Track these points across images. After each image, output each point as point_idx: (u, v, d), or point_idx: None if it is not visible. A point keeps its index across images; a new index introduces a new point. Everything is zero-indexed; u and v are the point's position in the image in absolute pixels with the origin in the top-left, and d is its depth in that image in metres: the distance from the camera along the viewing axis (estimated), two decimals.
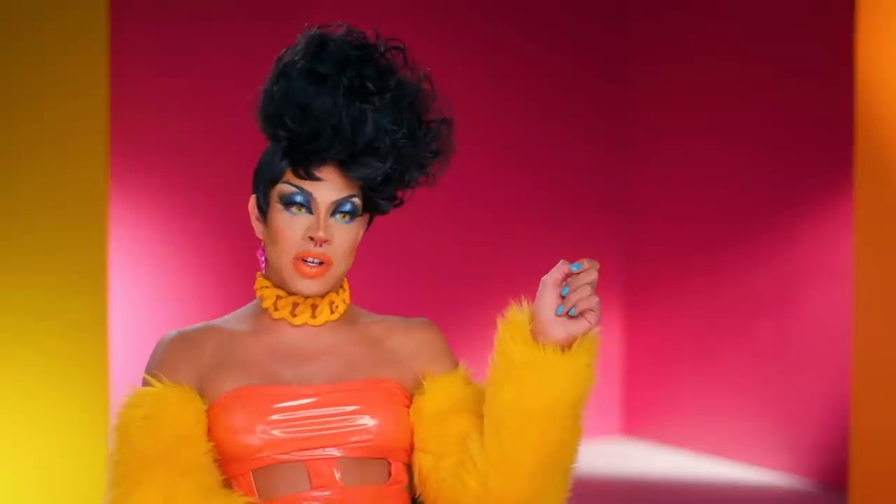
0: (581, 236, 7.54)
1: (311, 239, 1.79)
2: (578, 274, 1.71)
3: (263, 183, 1.85)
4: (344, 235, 1.82)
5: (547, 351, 1.72)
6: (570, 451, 1.77)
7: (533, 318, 1.75)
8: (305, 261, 1.80)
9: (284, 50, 1.85)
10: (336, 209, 1.81)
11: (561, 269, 1.74)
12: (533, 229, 7.37)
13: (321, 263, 1.80)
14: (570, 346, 1.73)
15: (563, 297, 1.72)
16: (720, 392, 6.90)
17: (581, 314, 1.71)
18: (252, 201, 1.88)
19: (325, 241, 1.80)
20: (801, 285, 6.39)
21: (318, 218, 1.80)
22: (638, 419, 7.52)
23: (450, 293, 7.08)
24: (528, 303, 1.78)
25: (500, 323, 1.78)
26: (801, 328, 6.38)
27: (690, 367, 7.11)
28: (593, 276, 1.70)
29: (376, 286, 6.41)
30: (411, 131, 1.83)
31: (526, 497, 1.75)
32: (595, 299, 1.70)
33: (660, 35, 7.34)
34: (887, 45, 4.41)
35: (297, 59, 1.82)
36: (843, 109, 5.59)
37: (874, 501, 4.46)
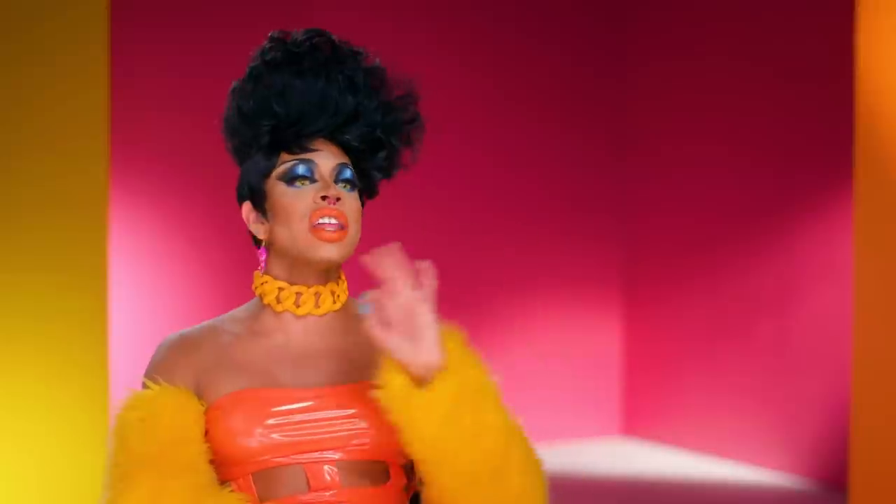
0: (581, 236, 7.54)
1: (324, 199, 1.80)
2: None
3: (256, 183, 1.86)
4: (351, 202, 1.83)
5: (408, 396, 1.67)
6: (485, 468, 1.69)
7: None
8: (322, 225, 1.80)
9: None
10: (339, 176, 1.84)
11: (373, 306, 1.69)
12: (532, 229, 7.37)
13: (340, 228, 1.80)
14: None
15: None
16: (720, 392, 6.90)
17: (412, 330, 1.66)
18: (246, 207, 1.88)
19: (339, 200, 1.81)
20: (801, 285, 6.39)
21: (324, 182, 1.82)
22: (638, 419, 7.52)
23: (448, 292, 7.07)
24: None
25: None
26: (801, 328, 6.38)
27: (690, 367, 7.11)
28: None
29: (375, 285, 6.40)
30: (387, 96, 1.89)
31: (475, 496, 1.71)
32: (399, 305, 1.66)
33: (660, 35, 7.35)
34: (887, 44, 4.41)
35: (264, 55, 1.87)
36: (843, 109, 5.59)
37: (874, 501, 4.46)
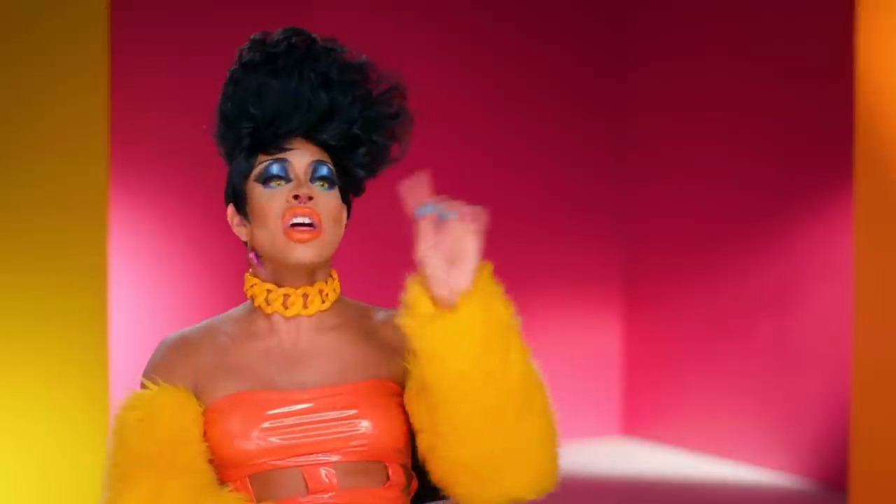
0: (580, 236, 7.54)
1: (296, 198, 1.79)
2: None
3: (238, 185, 1.86)
4: (327, 200, 1.82)
5: (434, 320, 1.67)
6: (508, 407, 1.68)
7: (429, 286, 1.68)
8: (295, 225, 1.79)
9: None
10: (314, 174, 1.83)
11: (426, 227, 1.67)
12: (532, 229, 7.37)
13: (312, 227, 1.79)
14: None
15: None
16: (720, 392, 6.90)
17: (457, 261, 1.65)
18: (230, 210, 1.88)
19: (310, 198, 1.79)
20: (801, 285, 6.38)
21: (298, 180, 1.82)
22: (638, 419, 7.52)
23: None
24: (415, 275, 1.69)
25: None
26: (801, 328, 6.38)
27: (690, 367, 7.11)
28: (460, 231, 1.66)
29: (375, 285, 6.40)
30: (367, 91, 1.87)
31: (482, 455, 1.70)
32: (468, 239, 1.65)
33: (660, 34, 7.34)
34: (887, 44, 4.41)
35: (242, 56, 1.87)
36: (843, 109, 5.59)
37: (874, 501, 4.46)
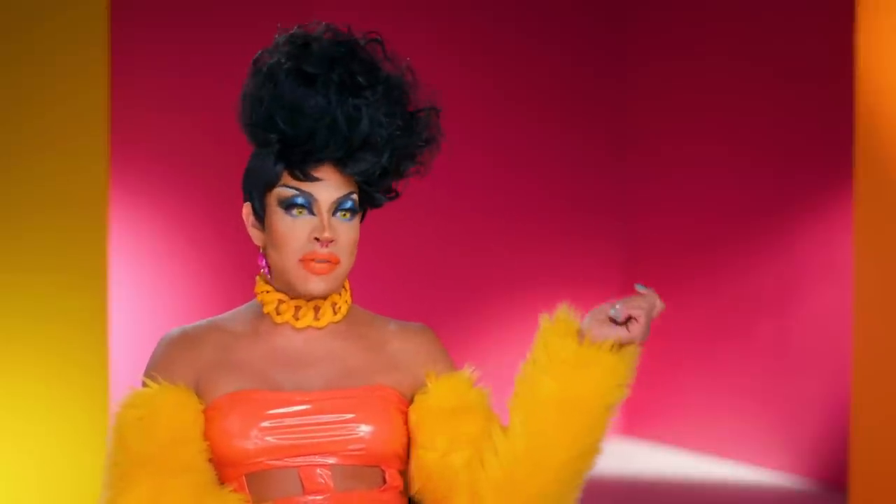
0: (580, 236, 7.54)
1: (317, 240, 1.78)
2: (638, 294, 1.84)
3: (258, 189, 1.83)
4: (347, 233, 1.81)
5: (592, 347, 1.80)
6: (593, 455, 1.81)
7: (583, 321, 1.83)
8: (313, 260, 1.79)
9: (260, 52, 1.84)
10: (338, 208, 1.80)
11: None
12: (532, 229, 7.37)
13: (328, 262, 1.79)
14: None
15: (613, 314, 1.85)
16: (720, 392, 6.90)
17: (626, 321, 1.85)
18: (246, 209, 1.86)
19: (332, 241, 1.79)
20: (801, 285, 6.39)
21: (321, 218, 1.79)
22: (638, 419, 7.52)
23: (449, 293, 7.08)
24: (572, 306, 1.86)
25: (544, 321, 1.84)
26: (801, 328, 6.38)
27: (690, 367, 7.11)
28: (651, 300, 1.87)
29: (376, 286, 6.41)
30: (405, 123, 1.82)
31: (547, 493, 1.77)
32: (643, 313, 1.87)
33: (660, 34, 7.35)
34: (887, 44, 4.41)
35: (281, 60, 1.80)
36: (843, 109, 5.59)
37: (874, 501, 4.46)
